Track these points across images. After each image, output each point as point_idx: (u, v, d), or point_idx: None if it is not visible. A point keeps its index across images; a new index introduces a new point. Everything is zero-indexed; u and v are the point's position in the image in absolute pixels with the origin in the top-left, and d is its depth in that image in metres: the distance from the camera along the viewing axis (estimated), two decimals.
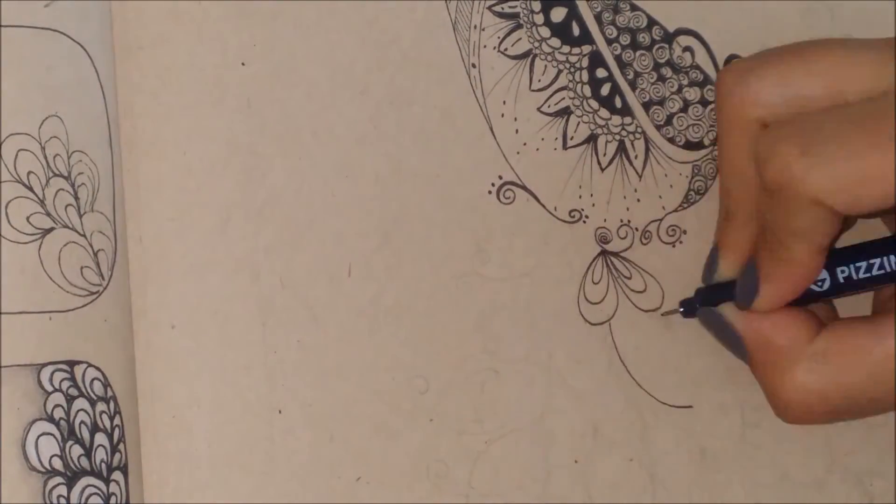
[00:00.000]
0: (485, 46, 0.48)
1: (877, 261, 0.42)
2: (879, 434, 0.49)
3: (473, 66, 0.48)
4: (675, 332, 0.49)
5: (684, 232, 0.49)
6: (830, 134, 0.38)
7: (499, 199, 0.48)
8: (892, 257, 0.42)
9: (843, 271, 0.42)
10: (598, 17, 0.49)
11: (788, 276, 0.41)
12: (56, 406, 0.44)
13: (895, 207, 0.39)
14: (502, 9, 0.48)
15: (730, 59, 0.49)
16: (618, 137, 0.49)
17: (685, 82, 0.49)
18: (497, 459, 0.48)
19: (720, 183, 0.44)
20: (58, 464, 0.44)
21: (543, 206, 0.49)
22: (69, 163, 0.45)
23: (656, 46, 0.49)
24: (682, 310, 0.45)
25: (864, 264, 0.42)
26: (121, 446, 0.45)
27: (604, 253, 0.49)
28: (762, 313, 0.42)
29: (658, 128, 0.49)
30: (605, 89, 0.49)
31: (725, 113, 0.42)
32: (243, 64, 0.47)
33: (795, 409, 0.42)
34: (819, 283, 0.42)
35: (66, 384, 0.44)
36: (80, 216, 0.45)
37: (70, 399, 0.44)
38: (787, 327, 0.42)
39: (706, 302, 0.44)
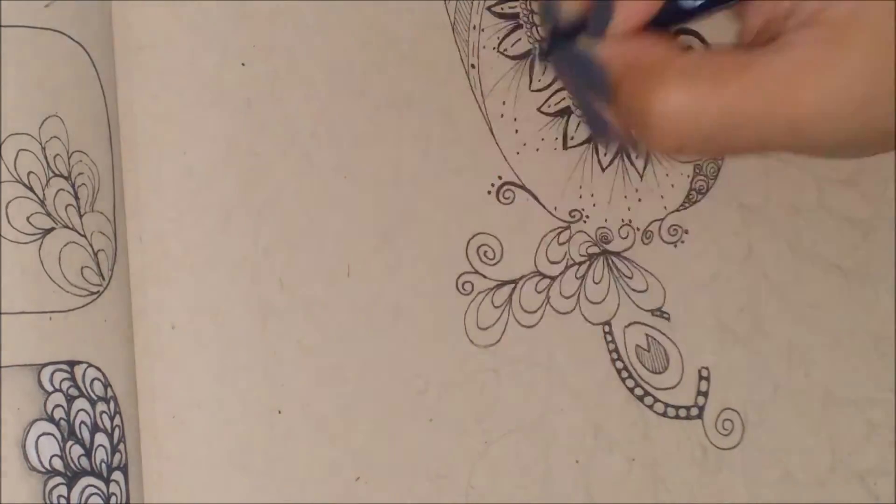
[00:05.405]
0: (484, 47, 0.48)
1: None
2: (882, 434, 0.49)
3: (473, 66, 0.48)
4: (676, 332, 0.49)
5: (686, 231, 0.49)
6: None
7: (498, 199, 0.48)
8: None
9: None
10: None
11: None
12: (56, 406, 0.44)
13: None
14: (502, 9, 0.48)
15: None
16: None
17: None
18: (497, 459, 0.48)
19: None
20: (58, 464, 0.44)
21: (543, 206, 0.48)
22: (69, 163, 0.45)
23: None
24: (536, 52, 0.42)
25: None
26: (121, 446, 0.45)
27: (605, 253, 0.49)
28: (624, 39, 0.39)
29: None
30: None
31: None
32: (243, 64, 0.47)
33: (666, 132, 0.37)
34: None
35: (66, 384, 0.44)
36: (80, 216, 0.45)
37: (70, 399, 0.44)
38: (652, 45, 0.38)
39: (560, 42, 0.40)
